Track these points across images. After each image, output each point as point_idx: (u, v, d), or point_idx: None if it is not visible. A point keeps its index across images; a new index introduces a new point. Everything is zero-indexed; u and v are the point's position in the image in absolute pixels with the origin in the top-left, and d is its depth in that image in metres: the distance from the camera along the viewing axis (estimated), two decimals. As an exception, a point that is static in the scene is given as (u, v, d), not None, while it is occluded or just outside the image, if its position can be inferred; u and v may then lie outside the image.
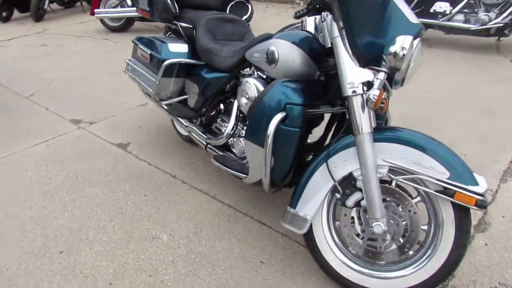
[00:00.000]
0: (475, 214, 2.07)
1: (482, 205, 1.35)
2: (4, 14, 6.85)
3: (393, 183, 1.50)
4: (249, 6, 5.21)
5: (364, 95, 1.42)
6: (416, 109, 3.24)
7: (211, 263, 1.79)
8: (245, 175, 1.81)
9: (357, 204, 1.52)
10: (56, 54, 5.06)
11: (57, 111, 3.41)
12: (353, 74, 1.44)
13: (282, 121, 1.54)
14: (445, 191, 1.39)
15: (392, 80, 1.48)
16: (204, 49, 2.18)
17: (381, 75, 1.38)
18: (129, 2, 5.74)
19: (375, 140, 1.47)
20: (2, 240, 1.95)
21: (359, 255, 1.59)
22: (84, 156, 2.69)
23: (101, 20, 6.07)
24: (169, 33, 2.63)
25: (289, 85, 1.58)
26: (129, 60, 2.62)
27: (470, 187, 1.36)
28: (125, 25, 6.04)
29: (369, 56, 1.42)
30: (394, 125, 1.64)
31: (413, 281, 1.49)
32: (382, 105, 1.69)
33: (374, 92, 1.35)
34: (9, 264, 1.80)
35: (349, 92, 1.44)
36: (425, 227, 1.51)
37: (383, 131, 1.51)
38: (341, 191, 1.54)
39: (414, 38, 1.43)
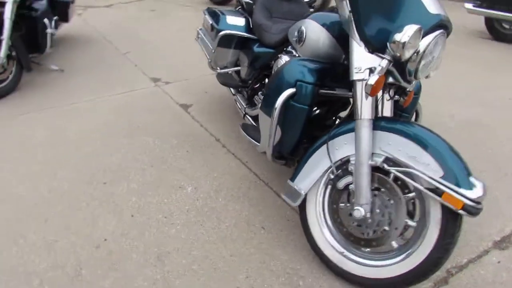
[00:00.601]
0: (502, 230, 1.93)
1: (470, 210, 1.31)
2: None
3: (391, 175, 1.49)
4: None
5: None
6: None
7: (218, 218, 1.97)
8: (258, 144, 1.92)
9: (347, 187, 1.55)
10: (159, 20, 5.58)
11: (143, 68, 3.84)
12: (361, 59, 1.45)
13: (292, 97, 1.62)
14: (434, 190, 1.36)
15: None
16: (257, 24, 2.30)
17: (384, 63, 1.38)
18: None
19: (378, 128, 1.48)
20: (65, 165, 2.35)
21: (345, 237, 1.62)
22: (151, 109, 3.03)
23: (207, -8, 6.49)
24: (238, 7, 2.79)
25: (304, 64, 1.64)
26: (200, 29, 2.86)
27: (460, 190, 1.32)
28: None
29: (376, 42, 1.41)
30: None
31: (388, 273, 1.49)
32: (402, 98, 1.67)
33: (372, 78, 1.35)
34: (63, 184, 2.19)
35: (354, 76, 1.46)
36: (414, 224, 1.49)
37: (388, 121, 1.51)
38: (335, 172, 1.58)
39: (433, 30, 1.39)
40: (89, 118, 2.91)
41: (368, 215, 1.48)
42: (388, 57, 1.38)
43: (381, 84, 1.38)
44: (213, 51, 2.45)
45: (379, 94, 1.58)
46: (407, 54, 1.35)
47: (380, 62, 1.39)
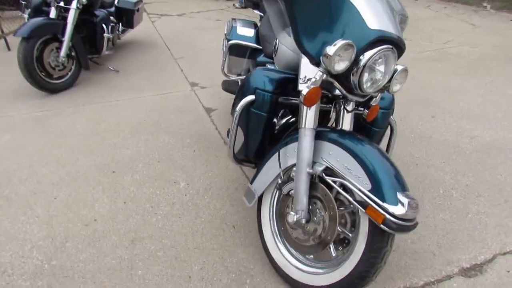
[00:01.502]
0: (475, 258, 1.81)
1: (390, 225, 1.30)
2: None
3: (337, 183, 1.51)
4: None
5: None
6: None
7: (197, 214, 2.12)
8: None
9: (290, 193, 1.60)
10: (220, 29, 5.90)
11: (187, 73, 4.14)
12: (305, 70, 1.51)
13: (252, 103, 1.71)
14: (361, 202, 1.37)
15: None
16: (261, 35, 2.42)
17: (318, 74, 1.42)
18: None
19: (323, 138, 1.52)
20: (88, 153, 2.68)
21: (289, 242, 1.66)
22: (179, 110, 3.29)
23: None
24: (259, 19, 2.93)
25: (266, 73, 1.72)
26: (223, 38, 3.05)
27: (384, 204, 1.32)
28: None
29: (315, 55, 1.45)
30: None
31: (319, 281, 1.51)
32: (363, 110, 1.68)
33: (305, 89, 1.40)
34: (80, 169, 2.51)
35: (299, 86, 1.52)
36: (350, 235, 1.50)
37: (333, 132, 1.54)
38: (282, 178, 1.64)
39: (378, 45, 1.40)
40: (124, 114, 3.25)
41: (304, 221, 1.52)
42: (322, 70, 1.42)
43: (315, 95, 1.42)
44: (224, 59, 2.62)
45: (341, 105, 1.61)
46: (338, 67, 1.37)
47: (315, 74, 1.44)
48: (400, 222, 1.30)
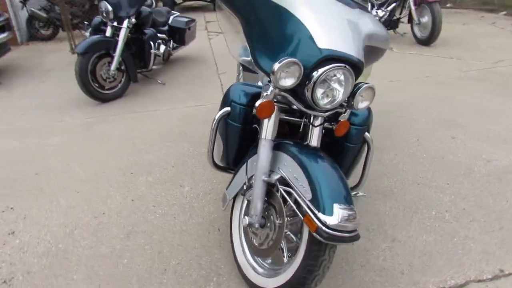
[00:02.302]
0: (444, 281, 1.76)
1: (321, 234, 1.37)
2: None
3: (286, 192, 1.60)
4: None
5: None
6: None
7: (191, 215, 2.31)
8: None
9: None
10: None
11: (225, 87, 4.39)
12: (263, 85, 1.63)
13: (228, 114, 1.86)
14: (301, 210, 1.46)
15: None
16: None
17: (270, 90, 1.53)
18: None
19: (282, 149, 1.63)
20: (116, 156, 3.02)
21: (250, 245, 1.78)
22: (206, 121, 3.54)
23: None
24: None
25: (242, 87, 1.86)
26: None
27: (318, 214, 1.39)
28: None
29: (268, 71, 1.56)
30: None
31: (269, 284, 1.61)
32: (332, 125, 1.75)
33: (258, 102, 1.53)
34: (105, 169, 2.84)
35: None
36: (296, 242, 1.58)
37: (292, 145, 1.64)
38: (246, 185, 1.77)
39: (327, 64, 1.48)
40: (157, 122, 3.58)
41: (257, 225, 1.63)
42: (272, 85, 1.53)
43: (267, 108, 1.53)
44: (238, 73, 2.81)
45: (309, 120, 1.71)
46: (283, 83, 1.47)
47: (268, 89, 1.56)
48: (331, 232, 1.37)
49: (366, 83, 1.61)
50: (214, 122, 1.88)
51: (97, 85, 4.04)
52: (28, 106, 4.19)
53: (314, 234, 1.39)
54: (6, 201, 2.51)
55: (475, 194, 2.37)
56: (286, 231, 1.63)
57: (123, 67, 4.16)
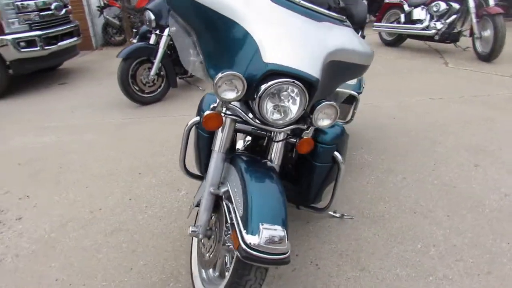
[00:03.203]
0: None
1: (241, 253, 1.34)
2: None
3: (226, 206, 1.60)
4: None
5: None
6: None
7: (175, 219, 2.36)
8: None
9: None
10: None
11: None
12: None
13: (199, 123, 1.90)
14: (231, 225, 1.45)
15: None
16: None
17: (217, 101, 1.54)
18: (403, 19, 5.94)
19: (232, 163, 1.63)
20: (132, 156, 3.20)
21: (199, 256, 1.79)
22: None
23: (379, 33, 6.55)
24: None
25: (213, 97, 1.88)
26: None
27: (243, 232, 1.37)
28: (397, 41, 6.28)
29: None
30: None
31: None
32: (294, 141, 1.72)
33: (206, 113, 1.54)
34: (118, 167, 3.03)
35: None
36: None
37: (241, 158, 1.63)
38: None
39: (274, 79, 1.45)
40: (183, 126, 3.71)
41: (200, 236, 1.64)
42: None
43: (213, 119, 1.54)
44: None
45: (273, 134, 1.69)
46: (225, 95, 1.45)
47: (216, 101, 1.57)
48: (250, 251, 1.33)
49: (326, 101, 1.55)
50: (185, 130, 1.93)
51: (137, 88, 4.32)
52: (79, 105, 4.62)
53: (235, 251, 1.37)
54: (26, 189, 2.79)
55: (475, 231, 2.12)
56: (229, 244, 1.62)
57: (163, 73, 4.39)
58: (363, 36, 2.84)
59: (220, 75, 1.43)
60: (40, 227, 2.37)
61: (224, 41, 1.58)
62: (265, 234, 1.34)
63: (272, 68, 1.44)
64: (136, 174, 2.91)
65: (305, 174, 1.91)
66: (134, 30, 5.04)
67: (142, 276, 1.96)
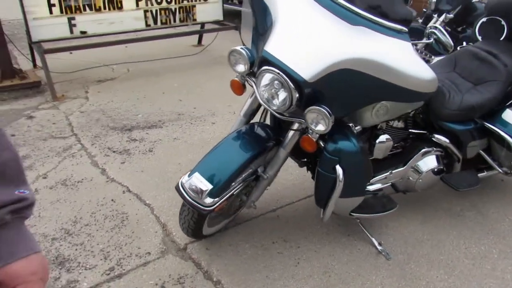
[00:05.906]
0: None
1: (176, 185, 1.86)
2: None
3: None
4: None
5: None
6: None
7: (167, 222, 2.54)
8: None
9: None
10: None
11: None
12: None
13: None
14: None
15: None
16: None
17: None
18: None
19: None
20: (161, 156, 3.45)
21: None
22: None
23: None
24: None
25: None
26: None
27: (188, 173, 1.84)
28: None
29: None
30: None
31: None
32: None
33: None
34: (148, 165, 3.29)
35: None
36: None
37: (248, 126, 2.01)
38: None
39: (265, 65, 1.63)
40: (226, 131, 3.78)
41: None
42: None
43: (234, 85, 1.89)
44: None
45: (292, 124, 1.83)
46: (235, 67, 1.83)
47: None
48: (179, 186, 1.80)
49: (319, 105, 1.57)
50: None
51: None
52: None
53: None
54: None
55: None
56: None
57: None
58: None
59: (231, 49, 1.71)
60: (58, 188, 2.82)
61: (260, 22, 1.79)
62: (191, 181, 1.71)
63: (264, 55, 1.59)
64: (178, 171, 3.15)
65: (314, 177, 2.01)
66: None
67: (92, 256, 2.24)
